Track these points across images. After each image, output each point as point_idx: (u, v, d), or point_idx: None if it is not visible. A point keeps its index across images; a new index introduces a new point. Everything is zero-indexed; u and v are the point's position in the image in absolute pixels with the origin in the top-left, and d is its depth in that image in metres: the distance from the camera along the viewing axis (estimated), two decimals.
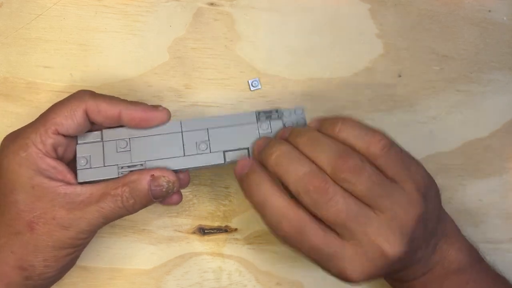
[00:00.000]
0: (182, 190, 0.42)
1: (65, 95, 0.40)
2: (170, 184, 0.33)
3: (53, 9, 0.40)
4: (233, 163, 0.34)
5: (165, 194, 0.33)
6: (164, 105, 0.34)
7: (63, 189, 0.31)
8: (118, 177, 0.33)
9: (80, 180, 0.33)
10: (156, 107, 0.34)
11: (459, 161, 0.44)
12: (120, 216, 0.33)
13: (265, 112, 0.36)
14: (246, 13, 0.42)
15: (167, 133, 0.34)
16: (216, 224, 0.42)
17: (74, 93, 0.33)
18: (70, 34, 0.40)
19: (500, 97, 0.45)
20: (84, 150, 0.34)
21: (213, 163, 0.35)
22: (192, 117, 0.35)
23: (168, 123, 0.34)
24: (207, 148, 0.34)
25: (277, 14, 0.42)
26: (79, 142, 0.34)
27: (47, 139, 0.31)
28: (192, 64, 0.41)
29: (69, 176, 0.32)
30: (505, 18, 0.45)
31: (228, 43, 0.42)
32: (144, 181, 0.32)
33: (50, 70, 0.40)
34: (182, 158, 0.34)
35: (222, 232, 0.42)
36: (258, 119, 0.35)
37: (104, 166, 0.33)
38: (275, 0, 0.42)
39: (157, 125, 0.34)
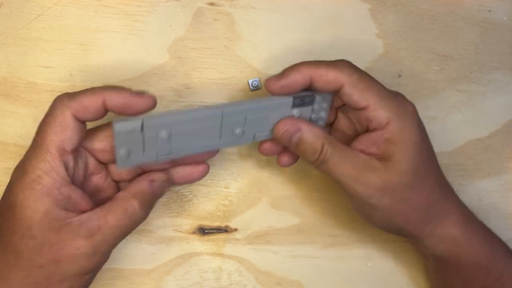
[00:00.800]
0: (182, 189, 0.42)
1: None
2: (165, 183, 0.35)
3: (53, 9, 0.40)
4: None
5: (164, 192, 0.35)
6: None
7: (78, 219, 0.31)
8: (142, 158, 0.33)
9: (118, 168, 0.33)
10: (141, 93, 0.32)
11: (459, 161, 0.45)
12: (136, 226, 0.33)
13: (300, 98, 0.35)
14: (246, 13, 0.42)
15: (207, 123, 0.34)
16: (216, 224, 0.42)
17: (52, 103, 0.32)
18: (70, 34, 0.40)
19: (500, 97, 0.45)
20: (123, 142, 0.32)
21: (243, 144, 0.38)
22: (232, 102, 0.34)
23: (209, 109, 0.34)
24: (242, 133, 0.35)
25: (277, 14, 0.42)
26: (116, 131, 0.31)
27: (57, 163, 0.31)
28: (192, 64, 0.41)
29: (84, 203, 0.32)
30: (505, 18, 0.45)
31: (228, 43, 0.42)
32: (146, 188, 0.34)
33: (50, 70, 0.40)
34: (216, 140, 0.35)
35: (222, 232, 0.42)
36: (292, 105, 0.35)
37: (143, 154, 0.33)
38: (275, 0, 0.42)
39: (143, 112, 0.32)
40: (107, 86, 0.32)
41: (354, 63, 0.43)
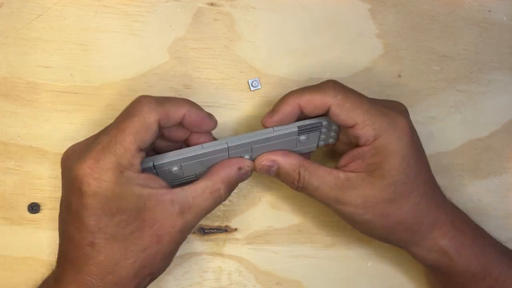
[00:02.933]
0: None
1: (65, 95, 0.40)
2: (252, 170, 0.37)
3: (53, 9, 0.40)
4: None
5: (246, 179, 0.37)
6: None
7: (169, 195, 0.33)
8: (209, 172, 0.35)
9: None
10: (211, 116, 0.36)
11: (459, 161, 0.45)
12: (216, 206, 0.35)
13: (308, 127, 0.36)
14: (246, 13, 0.42)
15: (214, 156, 0.35)
16: (216, 224, 0.42)
17: (138, 103, 0.32)
18: (70, 34, 0.40)
19: (500, 97, 0.45)
20: None
21: None
22: (237, 136, 0.36)
23: (216, 144, 0.35)
24: (249, 158, 0.37)
25: (277, 14, 0.42)
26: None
27: (136, 160, 0.32)
28: (192, 64, 0.41)
29: (159, 180, 0.33)
30: (505, 18, 0.45)
31: (228, 43, 0.42)
32: (235, 174, 0.36)
33: (50, 70, 0.40)
34: None
35: (222, 232, 0.42)
36: (298, 132, 0.36)
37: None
38: (275, 0, 0.42)
39: (204, 131, 0.36)
40: (187, 101, 0.34)
41: (354, 63, 0.43)
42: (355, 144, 0.36)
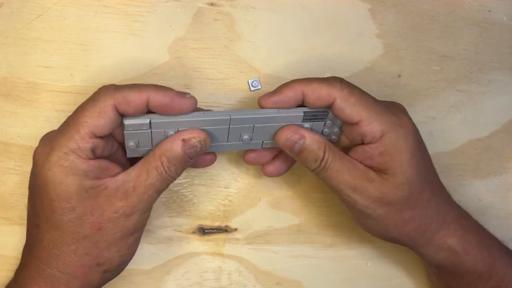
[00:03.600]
0: (182, 189, 0.42)
1: (65, 95, 0.40)
2: (202, 142, 0.34)
3: (53, 9, 0.40)
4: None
5: (200, 152, 0.34)
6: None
7: (113, 182, 0.32)
8: (151, 149, 0.34)
9: (128, 156, 0.35)
10: (183, 94, 0.33)
11: (459, 161, 0.45)
12: (168, 184, 0.34)
13: (313, 113, 0.35)
14: (246, 13, 0.42)
15: (215, 126, 0.34)
16: (216, 224, 0.42)
17: (97, 91, 0.32)
18: (70, 34, 0.40)
19: (500, 97, 0.45)
20: (132, 136, 0.34)
21: (250, 148, 0.38)
22: (242, 110, 0.35)
23: (218, 114, 0.34)
24: (249, 139, 0.36)
25: (277, 14, 0.42)
26: (126, 129, 0.33)
27: (85, 144, 0.31)
28: (192, 64, 0.41)
29: (113, 168, 0.33)
30: (505, 18, 0.45)
31: (228, 43, 0.42)
32: (177, 147, 0.33)
33: (50, 70, 0.40)
34: (224, 142, 0.36)
35: (222, 232, 0.42)
36: (303, 119, 0.35)
37: (152, 148, 0.34)
38: (275, 0, 0.42)
39: (184, 112, 0.33)
40: (153, 85, 0.33)
41: (354, 63, 0.43)
42: (357, 143, 0.36)
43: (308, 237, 0.43)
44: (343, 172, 0.35)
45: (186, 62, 0.41)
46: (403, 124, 0.35)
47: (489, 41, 0.45)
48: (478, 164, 0.45)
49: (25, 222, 0.40)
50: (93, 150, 0.32)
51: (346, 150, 0.37)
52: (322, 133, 0.37)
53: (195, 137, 0.33)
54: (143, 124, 0.33)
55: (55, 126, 0.40)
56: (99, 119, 0.31)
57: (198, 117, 0.34)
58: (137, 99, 0.32)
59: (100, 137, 0.32)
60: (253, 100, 0.42)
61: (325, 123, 0.36)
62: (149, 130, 0.34)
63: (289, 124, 0.35)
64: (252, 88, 0.42)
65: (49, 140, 0.32)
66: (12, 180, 0.40)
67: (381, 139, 0.34)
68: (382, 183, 0.34)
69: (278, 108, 0.35)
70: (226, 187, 0.42)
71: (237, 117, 0.34)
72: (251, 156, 0.38)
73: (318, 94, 0.34)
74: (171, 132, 0.34)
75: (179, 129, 0.34)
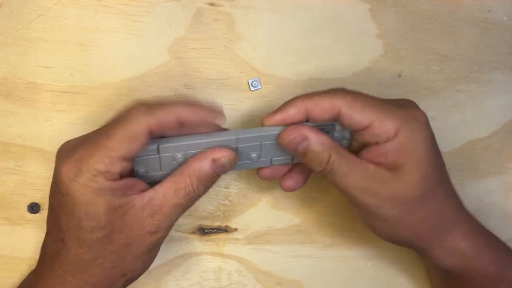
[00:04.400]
0: None
1: (65, 95, 0.40)
2: (231, 161, 0.34)
3: (53, 9, 0.40)
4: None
5: (228, 170, 0.34)
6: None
7: (139, 200, 0.32)
8: (181, 166, 0.34)
9: None
10: (214, 110, 0.33)
11: (459, 161, 0.45)
12: (194, 202, 0.34)
13: (319, 127, 0.34)
14: (246, 13, 0.42)
15: (221, 146, 0.34)
16: (216, 224, 0.42)
17: (130, 112, 0.31)
18: (70, 34, 0.40)
19: (500, 97, 0.45)
20: (141, 163, 0.34)
21: (260, 166, 0.37)
22: (248, 129, 0.34)
23: (224, 134, 0.34)
24: (257, 157, 0.36)
25: (277, 14, 0.42)
26: (136, 156, 0.33)
27: (114, 168, 0.31)
28: (192, 64, 0.41)
29: (138, 184, 0.33)
30: (505, 18, 0.45)
31: (228, 43, 0.42)
32: (206, 167, 0.33)
33: (50, 70, 0.40)
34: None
35: (222, 232, 0.42)
36: None
37: (161, 171, 0.34)
38: (275, 0, 0.42)
39: (212, 129, 0.34)
40: (182, 103, 0.33)
41: (354, 63, 0.43)
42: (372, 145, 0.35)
43: (308, 237, 0.43)
44: (352, 174, 0.33)
45: (186, 62, 0.41)
46: (416, 117, 0.34)
47: (489, 41, 0.45)
48: (478, 164, 0.45)
49: (25, 222, 0.40)
50: (121, 172, 0.32)
51: (358, 150, 0.36)
52: None
53: (224, 156, 0.33)
54: (151, 150, 0.33)
55: (55, 126, 0.40)
56: (132, 145, 0.31)
57: (205, 139, 0.33)
58: (169, 120, 0.32)
59: (130, 160, 0.32)
60: (253, 100, 0.42)
61: (332, 136, 0.35)
62: (157, 155, 0.33)
63: (293, 124, 0.34)
64: (252, 88, 0.42)
65: (76, 160, 0.31)
66: (12, 180, 0.40)
67: (396, 135, 0.33)
68: (395, 182, 0.33)
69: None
70: (226, 187, 0.42)
71: (244, 136, 0.34)
72: (265, 172, 0.38)
73: (321, 107, 0.33)
74: (179, 156, 0.34)
75: (187, 152, 0.34)
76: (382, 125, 0.33)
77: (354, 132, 0.35)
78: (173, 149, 0.33)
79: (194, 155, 0.34)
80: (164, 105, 0.32)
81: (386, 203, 0.34)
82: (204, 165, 0.33)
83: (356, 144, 0.36)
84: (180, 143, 0.33)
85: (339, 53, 0.43)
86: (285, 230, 0.43)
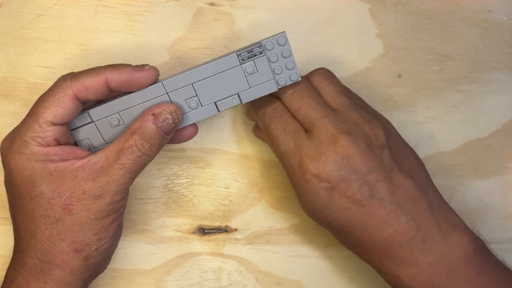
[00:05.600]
0: (182, 189, 0.42)
1: None
2: (173, 113, 0.33)
3: (53, 9, 0.40)
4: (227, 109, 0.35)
5: (174, 126, 0.34)
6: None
7: (79, 163, 0.32)
8: (106, 145, 0.34)
9: None
10: (142, 67, 0.33)
11: (459, 161, 0.45)
12: (143, 164, 0.33)
13: (247, 51, 0.33)
14: (246, 13, 0.42)
15: (153, 98, 0.33)
16: (216, 224, 0.42)
17: (56, 81, 0.33)
18: (70, 34, 0.40)
19: (500, 97, 0.45)
20: (80, 134, 0.34)
21: (207, 116, 0.35)
22: (172, 74, 0.33)
23: (150, 88, 0.33)
24: (197, 104, 0.34)
25: (277, 14, 0.42)
26: (71, 128, 0.34)
27: (44, 133, 0.32)
28: (192, 64, 0.41)
29: (79, 151, 0.33)
30: (505, 18, 0.45)
31: (228, 43, 0.42)
32: (149, 123, 0.33)
33: (50, 70, 0.40)
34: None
35: (222, 232, 0.42)
36: (240, 61, 0.33)
37: (106, 143, 0.34)
38: (275, 0, 0.42)
39: (148, 85, 0.33)
40: (109, 66, 0.33)
41: (354, 63, 0.43)
42: None
43: (308, 237, 0.43)
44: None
45: (186, 62, 0.41)
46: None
47: (489, 41, 0.45)
48: (478, 164, 0.45)
49: None
50: (56, 139, 0.32)
51: None
52: (274, 73, 0.34)
53: (165, 109, 0.33)
54: (83, 118, 0.33)
55: None
56: (58, 109, 0.32)
57: (134, 94, 0.33)
58: (95, 84, 0.32)
59: (62, 125, 0.32)
60: None
61: (268, 58, 0.33)
62: (92, 123, 0.33)
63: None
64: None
65: (11, 132, 0.33)
66: None
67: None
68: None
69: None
70: (226, 187, 0.42)
71: (169, 80, 0.33)
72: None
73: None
74: (115, 120, 0.33)
75: (120, 113, 0.33)
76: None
77: None
78: (104, 112, 0.33)
79: (135, 115, 0.33)
80: (91, 70, 0.33)
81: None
82: (146, 121, 0.33)
83: None
84: (106, 103, 0.33)
85: (339, 53, 0.43)
86: (285, 230, 0.43)
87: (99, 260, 0.34)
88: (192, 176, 0.42)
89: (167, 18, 0.41)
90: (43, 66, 0.40)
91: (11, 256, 0.40)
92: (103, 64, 0.40)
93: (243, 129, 0.42)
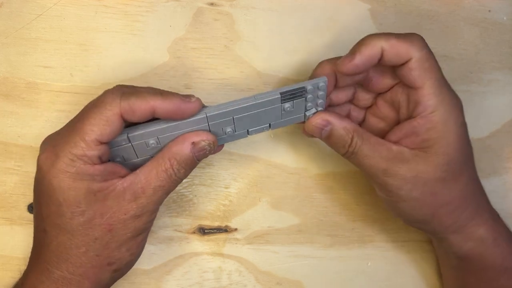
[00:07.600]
0: (182, 189, 0.42)
1: (65, 95, 0.40)
2: (211, 145, 0.34)
3: (53, 9, 0.40)
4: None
5: (208, 154, 0.35)
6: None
7: (121, 184, 0.32)
8: (161, 149, 0.34)
9: None
10: (189, 98, 0.33)
11: None
12: (176, 185, 0.34)
13: (290, 93, 0.35)
14: (246, 13, 0.42)
15: (193, 127, 0.34)
16: (216, 224, 0.42)
17: (103, 96, 0.32)
18: (70, 34, 0.40)
19: (500, 97, 0.45)
20: (116, 153, 0.34)
21: (237, 139, 0.37)
22: (216, 105, 0.34)
23: (194, 119, 0.34)
24: (232, 131, 0.35)
25: (277, 14, 0.42)
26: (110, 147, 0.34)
27: (91, 152, 0.31)
28: (192, 64, 0.41)
29: (118, 169, 0.33)
30: (505, 18, 0.45)
31: (228, 43, 0.42)
32: (187, 150, 0.34)
33: (50, 70, 0.40)
34: None
35: (222, 232, 0.42)
36: (282, 100, 0.35)
37: (138, 158, 0.35)
38: (275, 0, 0.42)
39: (190, 117, 0.34)
40: (158, 92, 0.33)
41: None
42: (404, 113, 0.36)
43: (308, 237, 0.43)
44: (373, 156, 0.35)
45: (186, 62, 0.41)
46: (456, 105, 0.34)
47: (489, 41, 0.45)
48: (478, 164, 0.45)
49: (25, 222, 0.40)
50: (99, 157, 0.32)
51: (387, 127, 0.37)
52: (305, 109, 0.36)
53: (204, 140, 0.34)
54: (122, 140, 0.33)
55: (55, 126, 0.40)
56: (105, 128, 0.31)
57: (174, 121, 0.33)
58: (143, 108, 0.32)
59: (106, 143, 0.32)
60: None
61: (306, 98, 0.35)
62: (130, 144, 0.34)
63: (319, 111, 0.36)
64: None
65: (53, 147, 0.32)
66: (12, 180, 0.40)
67: (431, 115, 0.34)
68: (418, 163, 0.34)
69: (359, 72, 0.34)
70: (226, 187, 0.42)
71: (213, 113, 0.34)
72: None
73: (396, 51, 0.33)
74: (152, 141, 0.34)
75: (159, 137, 0.34)
76: (427, 96, 0.34)
77: (401, 89, 0.36)
78: (143, 136, 0.34)
79: (172, 139, 0.34)
80: (139, 92, 0.32)
81: (407, 185, 0.34)
82: (184, 148, 0.34)
83: (386, 119, 0.38)
84: (147, 130, 0.33)
85: (339, 53, 0.43)
86: (285, 230, 0.43)
87: (124, 271, 0.35)
88: (192, 176, 0.42)
89: (167, 18, 0.41)
90: (43, 66, 0.40)
91: (11, 256, 0.40)
92: (103, 64, 0.40)
93: None
